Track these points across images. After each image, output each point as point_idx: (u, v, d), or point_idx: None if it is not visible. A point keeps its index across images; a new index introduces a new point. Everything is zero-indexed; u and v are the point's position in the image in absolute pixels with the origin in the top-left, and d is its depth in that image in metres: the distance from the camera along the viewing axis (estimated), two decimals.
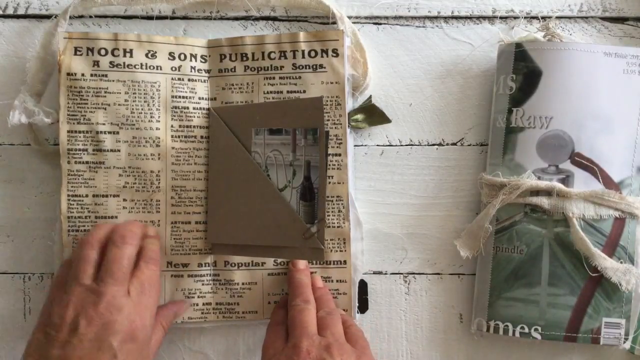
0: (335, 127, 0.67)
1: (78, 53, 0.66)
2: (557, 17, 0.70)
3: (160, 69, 0.67)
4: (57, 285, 0.61)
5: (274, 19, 0.70)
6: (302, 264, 0.68)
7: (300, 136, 0.67)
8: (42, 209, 0.69)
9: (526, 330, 0.66)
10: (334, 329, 0.61)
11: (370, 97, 0.69)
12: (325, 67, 0.67)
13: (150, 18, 0.70)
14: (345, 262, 0.68)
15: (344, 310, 0.68)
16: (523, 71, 0.66)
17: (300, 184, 0.67)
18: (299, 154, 0.67)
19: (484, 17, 0.70)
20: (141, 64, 0.67)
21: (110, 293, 0.58)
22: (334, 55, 0.67)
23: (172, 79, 0.67)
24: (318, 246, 0.67)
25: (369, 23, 0.70)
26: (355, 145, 0.70)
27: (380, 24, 0.70)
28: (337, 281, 0.68)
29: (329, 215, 0.68)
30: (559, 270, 0.65)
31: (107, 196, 0.67)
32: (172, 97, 0.67)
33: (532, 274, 0.65)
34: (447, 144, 0.70)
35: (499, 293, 0.66)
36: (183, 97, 0.67)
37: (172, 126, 0.67)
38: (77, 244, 0.65)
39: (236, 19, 0.70)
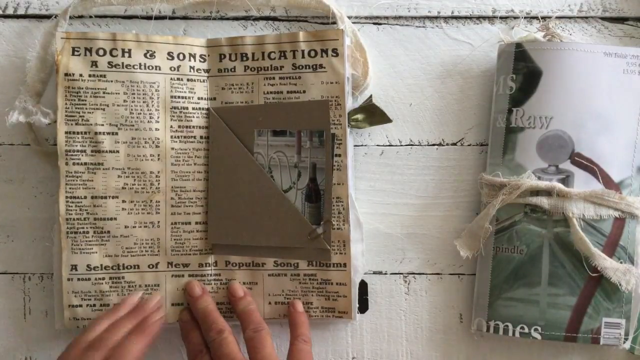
0: (335, 128, 0.67)
1: (76, 53, 0.66)
2: (557, 17, 0.70)
3: (159, 69, 0.67)
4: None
5: (274, 19, 0.70)
6: (197, 289, 0.68)
7: (305, 138, 0.67)
8: (42, 209, 0.69)
9: (526, 330, 0.66)
10: (264, 351, 0.62)
11: (371, 96, 0.69)
12: (325, 67, 0.67)
13: (150, 18, 0.70)
14: (345, 264, 0.68)
15: (343, 313, 0.68)
16: (523, 71, 0.66)
17: (306, 185, 0.67)
18: (303, 156, 0.67)
19: (484, 17, 0.70)
20: (140, 64, 0.67)
21: None
22: (334, 55, 0.67)
23: (171, 79, 0.67)
24: (324, 247, 0.67)
25: (369, 23, 0.70)
26: (355, 145, 0.70)
27: (380, 24, 0.70)
28: (336, 284, 0.68)
29: None
30: (559, 270, 0.65)
31: (105, 197, 0.67)
32: (171, 97, 0.67)
33: (532, 274, 0.65)
34: (447, 144, 0.70)
35: (499, 293, 0.66)
36: (182, 97, 0.67)
37: (171, 126, 0.67)
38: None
39: (236, 19, 0.70)
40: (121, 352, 0.60)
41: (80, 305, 0.67)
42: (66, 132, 0.66)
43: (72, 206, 0.66)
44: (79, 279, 0.67)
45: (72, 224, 0.67)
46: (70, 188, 0.66)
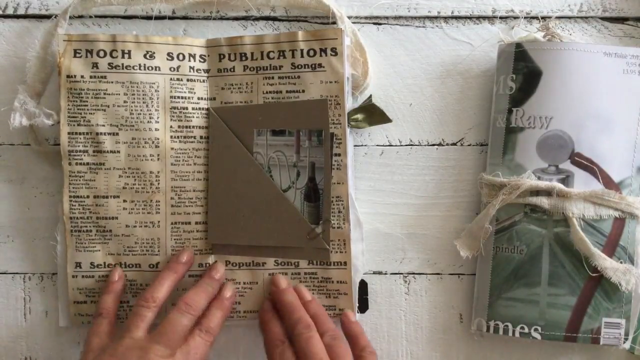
0: (335, 127, 0.67)
1: (77, 55, 0.66)
2: (557, 17, 0.70)
3: (159, 70, 0.67)
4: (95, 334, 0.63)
5: (274, 19, 0.70)
6: (284, 281, 0.67)
7: (304, 137, 0.67)
8: (42, 209, 0.70)
9: (526, 330, 0.65)
10: (346, 359, 0.61)
11: (371, 96, 0.69)
12: (324, 67, 0.67)
13: (150, 18, 0.70)
14: (345, 263, 0.68)
15: (344, 310, 0.68)
16: (523, 71, 0.65)
17: (305, 185, 0.67)
18: (302, 155, 0.67)
19: (484, 17, 0.70)
20: (139, 65, 0.67)
21: (155, 352, 0.59)
22: (333, 54, 0.67)
23: (171, 79, 0.67)
24: (323, 246, 0.67)
25: (369, 23, 0.70)
26: (355, 145, 0.70)
27: (380, 24, 0.70)
28: (337, 282, 0.68)
29: None
30: (559, 270, 0.65)
31: (107, 197, 0.67)
32: (171, 97, 0.67)
33: (532, 274, 0.65)
34: (447, 144, 0.70)
35: (499, 293, 0.66)
36: (182, 98, 0.67)
37: (171, 127, 0.67)
38: (138, 298, 0.64)
39: (236, 19, 0.70)
40: (209, 324, 0.63)
41: (85, 302, 0.68)
42: (69, 133, 0.67)
43: (75, 205, 0.67)
44: (83, 276, 0.67)
45: (75, 223, 0.67)
46: (73, 187, 0.67)
